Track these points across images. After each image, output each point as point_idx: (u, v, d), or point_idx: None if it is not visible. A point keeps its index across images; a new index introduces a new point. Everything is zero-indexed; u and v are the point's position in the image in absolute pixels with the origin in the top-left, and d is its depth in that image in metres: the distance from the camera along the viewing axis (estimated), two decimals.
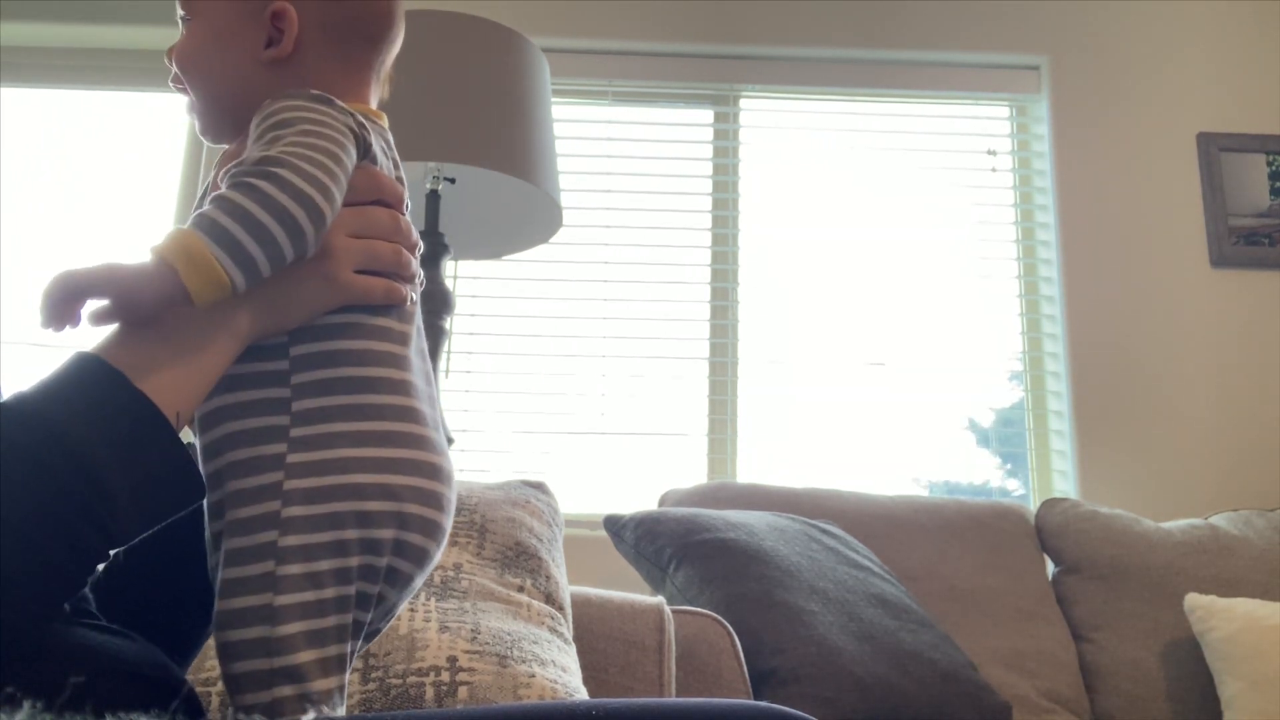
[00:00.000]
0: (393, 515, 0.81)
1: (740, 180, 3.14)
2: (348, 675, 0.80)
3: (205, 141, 0.97)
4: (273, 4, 0.91)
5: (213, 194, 0.77)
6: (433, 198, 2.03)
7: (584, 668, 1.41)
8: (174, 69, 0.93)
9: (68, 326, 0.71)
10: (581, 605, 1.54)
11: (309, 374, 0.83)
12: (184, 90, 0.94)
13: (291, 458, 0.80)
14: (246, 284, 0.75)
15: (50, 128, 3.20)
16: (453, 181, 2.03)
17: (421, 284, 0.94)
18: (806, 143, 3.19)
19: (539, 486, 1.60)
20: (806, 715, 0.76)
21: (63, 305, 0.70)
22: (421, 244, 0.95)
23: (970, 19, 3.17)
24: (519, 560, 1.40)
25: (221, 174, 0.83)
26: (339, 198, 0.81)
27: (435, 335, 2.19)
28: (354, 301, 0.85)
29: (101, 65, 3.18)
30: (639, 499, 2.54)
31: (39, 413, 0.68)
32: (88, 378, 0.71)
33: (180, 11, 0.93)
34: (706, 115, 3.22)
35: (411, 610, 1.23)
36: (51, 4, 3.15)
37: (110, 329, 0.75)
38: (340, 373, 0.84)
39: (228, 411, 0.82)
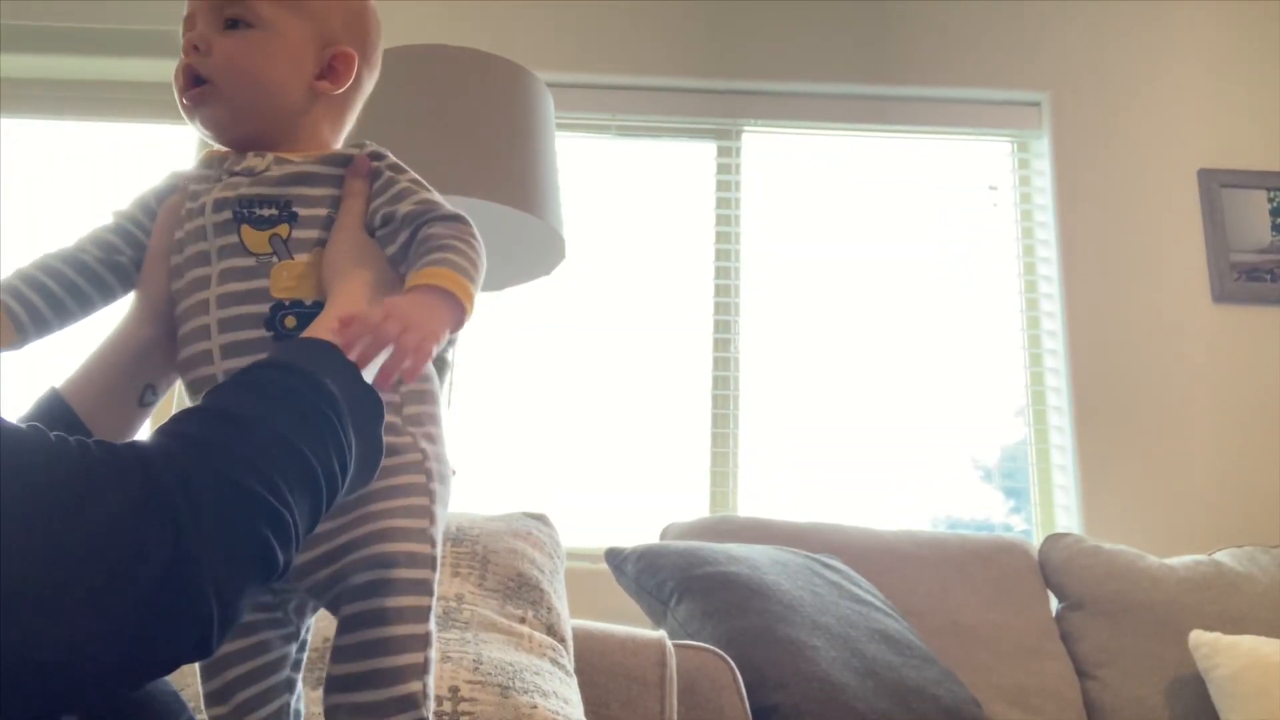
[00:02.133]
0: None
1: (742, 214, 3.15)
2: None
3: (209, 138, 1.02)
4: (342, 47, 1.02)
5: (458, 241, 0.93)
6: None
7: (585, 702, 1.40)
8: (207, 63, 0.97)
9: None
10: (583, 639, 1.53)
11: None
12: (199, 86, 0.98)
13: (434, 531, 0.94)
14: None
15: (53, 159, 3.21)
16: None
17: None
18: (808, 177, 3.20)
19: (541, 518, 1.60)
20: None
21: (416, 370, 0.85)
22: None
23: (972, 55, 3.19)
24: (521, 591, 1.39)
25: (419, 209, 0.97)
26: None
27: (438, 367, 2.18)
28: None
29: (104, 97, 3.20)
30: (640, 532, 2.52)
31: (325, 384, 0.80)
32: (341, 368, 0.82)
33: (231, 15, 0.98)
34: (709, 149, 3.23)
35: None
36: (54, 36, 3.17)
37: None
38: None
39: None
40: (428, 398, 0.99)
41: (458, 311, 0.90)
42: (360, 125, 1.12)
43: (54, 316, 0.95)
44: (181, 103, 1.00)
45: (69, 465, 0.64)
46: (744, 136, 3.23)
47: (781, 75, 3.18)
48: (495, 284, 2.37)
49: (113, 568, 0.61)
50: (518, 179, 2.02)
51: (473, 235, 0.96)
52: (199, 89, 0.98)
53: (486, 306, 2.97)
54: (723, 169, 3.20)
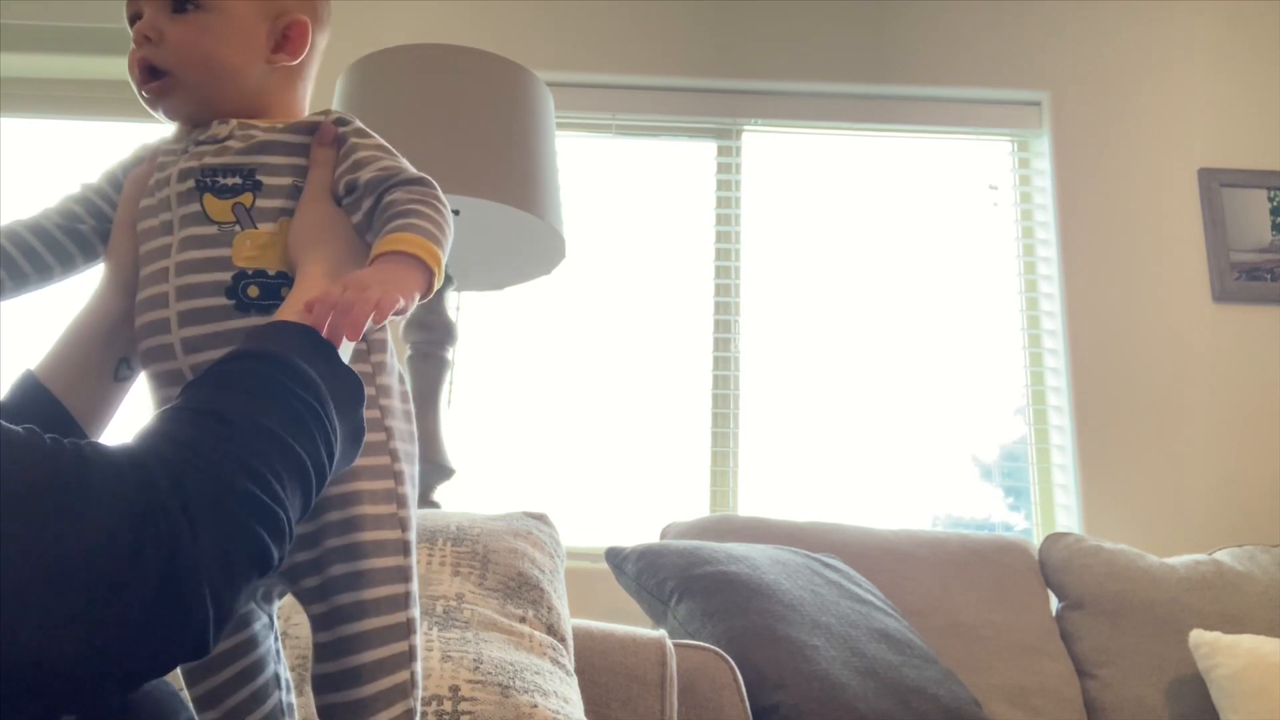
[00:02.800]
0: None
1: (742, 213, 3.15)
2: None
3: (165, 119, 1.02)
4: (293, 15, 1.01)
5: (421, 205, 0.91)
6: None
7: (585, 701, 1.40)
8: (161, 52, 0.97)
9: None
10: (583, 638, 1.53)
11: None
12: (152, 71, 0.98)
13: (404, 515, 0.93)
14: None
15: (53, 159, 3.21)
16: (457, 213, 2.04)
17: None
18: (809, 177, 3.20)
19: (541, 518, 1.60)
20: None
21: (380, 319, 0.82)
22: None
23: (972, 55, 3.19)
24: (521, 591, 1.39)
25: (376, 174, 0.95)
26: None
27: (438, 366, 2.19)
28: None
29: (104, 97, 3.19)
30: (641, 531, 2.53)
31: (305, 370, 0.79)
32: (319, 351, 0.82)
33: None
34: (709, 149, 3.23)
35: None
36: (54, 36, 3.17)
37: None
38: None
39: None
40: (393, 371, 0.98)
41: (425, 274, 0.88)
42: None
43: (10, 280, 0.95)
44: (142, 95, 1.00)
45: (64, 469, 0.64)
46: (744, 136, 3.23)
47: (781, 75, 3.18)
48: (496, 283, 2.37)
49: (109, 571, 0.61)
50: (518, 178, 2.02)
51: (437, 198, 0.94)
52: (158, 82, 0.97)
53: (487, 306, 2.98)
54: (723, 168, 3.21)
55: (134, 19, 0.99)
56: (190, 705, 0.89)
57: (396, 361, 0.99)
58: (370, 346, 0.95)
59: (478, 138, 2.01)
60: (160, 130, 1.06)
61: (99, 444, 0.68)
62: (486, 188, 1.96)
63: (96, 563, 0.61)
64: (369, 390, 0.92)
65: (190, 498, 0.66)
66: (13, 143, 3.16)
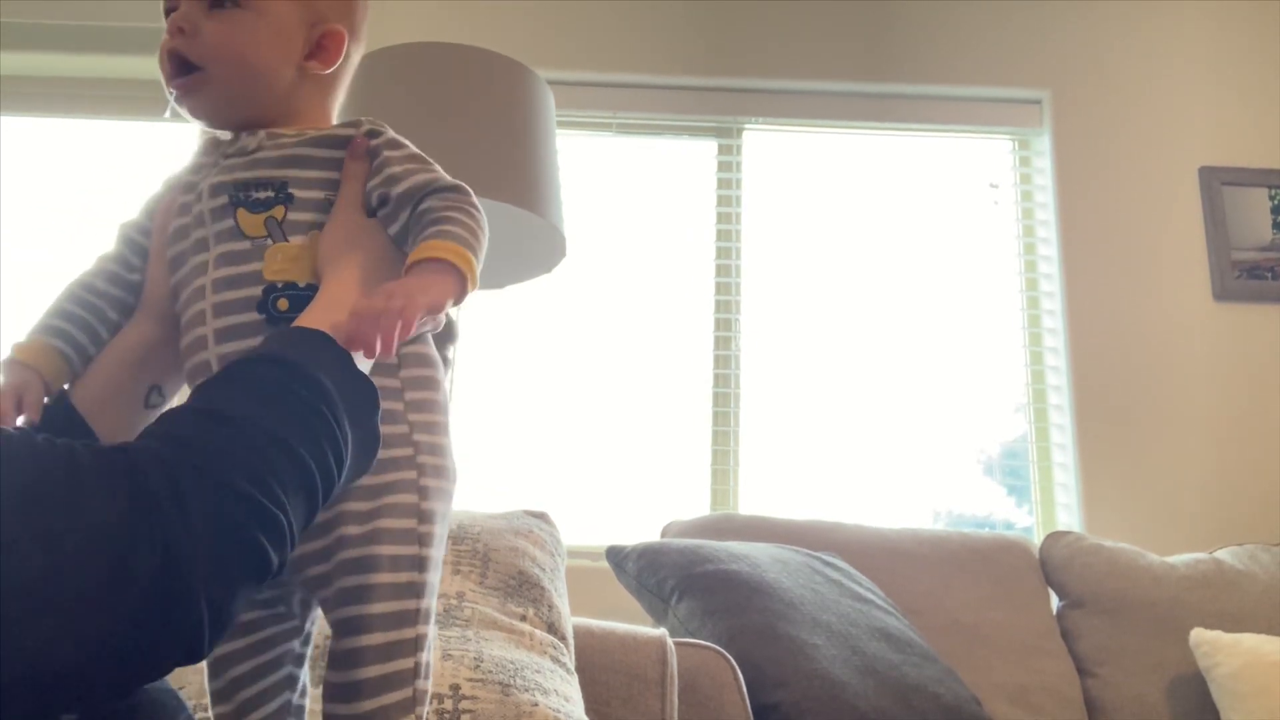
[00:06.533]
0: None
1: (743, 212, 3.15)
2: None
3: (189, 117, 1.00)
4: (330, 25, 1.01)
5: (454, 211, 0.91)
6: None
7: (586, 700, 1.40)
8: (195, 45, 0.95)
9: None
10: (583, 637, 1.54)
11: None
12: (184, 69, 0.96)
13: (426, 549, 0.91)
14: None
15: (52, 157, 3.21)
16: None
17: None
18: (809, 175, 3.20)
19: (541, 516, 1.60)
20: None
21: (407, 328, 0.82)
22: None
23: (973, 53, 3.19)
24: (521, 589, 1.39)
25: (411, 188, 0.95)
26: None
27: (441, 350, 2.19)
28: None
29: (104, 95, 3.19)
30: (641, 530, 2.52)
31: (317, 376, 0.79)
32: (334, 357, 0.82)
33: None
34: (710, 147, 3.23)
35: None
36: (54, 34, 3.17)
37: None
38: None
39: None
40: (430, 384, 0.96)
41: (458, 279, 0.88)
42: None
43: (94, 347, 0.96)
44: (169, 91, 0.98)
45: (57, 470, 0.63)
46: (745, 134, 3.23)
47: (782, 73, 3.18)
48: (496, 282, 2.37)
49: (101, 574, 0.60)
50: (519, 177, 2.02)
51: (471, 204, 0.94)
52: (190, 77, 0.96)
53: (487, 304, 2.98)
54: (723, 167, 3.20)
55: (170, 11, 0.98)
56: (188, 706, 0.89)
57: (439, 372, 0.98)
58: (401, 361, 0.94)
59: (478, 136, 2.01)
60: (168, 132, 1.05)
61: (94, 445, 0.67)
62: (487, 186, 1.96)
63: (88, 564, 0.60)
64: (396, 405, 0.91)
65: (185, 499, 0.65)
66: (13, 143, 3.16)
